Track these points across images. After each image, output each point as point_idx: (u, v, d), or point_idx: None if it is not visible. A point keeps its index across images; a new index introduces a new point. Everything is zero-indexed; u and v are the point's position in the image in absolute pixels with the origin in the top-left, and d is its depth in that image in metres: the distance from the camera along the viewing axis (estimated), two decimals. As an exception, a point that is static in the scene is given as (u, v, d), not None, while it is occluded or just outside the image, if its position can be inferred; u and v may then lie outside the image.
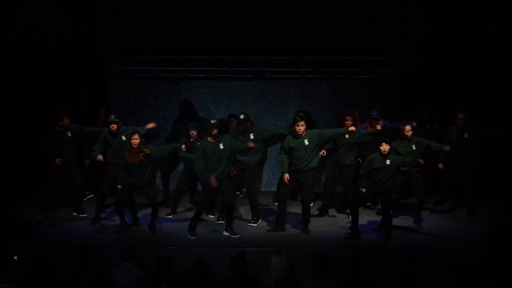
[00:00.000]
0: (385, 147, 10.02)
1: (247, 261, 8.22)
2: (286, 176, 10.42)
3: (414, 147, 10.65)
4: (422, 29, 12.26)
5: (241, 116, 10.64)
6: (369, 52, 12.67)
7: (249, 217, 11.10)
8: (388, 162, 10.05)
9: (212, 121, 10.33)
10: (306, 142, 10.42)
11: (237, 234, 10.35)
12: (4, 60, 12.31)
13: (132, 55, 12.95)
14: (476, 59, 10.97)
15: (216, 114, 12.68)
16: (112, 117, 10.91)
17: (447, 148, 10.79)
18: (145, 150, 10.18)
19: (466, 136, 11.05)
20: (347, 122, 10.90)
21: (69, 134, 11.05)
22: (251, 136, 10.66)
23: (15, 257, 8.19)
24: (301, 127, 10.36)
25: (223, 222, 10.75)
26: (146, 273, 8.17)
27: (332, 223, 11.05)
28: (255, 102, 12.80)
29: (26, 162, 12.25)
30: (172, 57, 12.92)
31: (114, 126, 10.87)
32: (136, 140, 10.13)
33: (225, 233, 10.38)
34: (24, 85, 12.58)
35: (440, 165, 11.25)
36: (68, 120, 10.99)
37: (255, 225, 10.83)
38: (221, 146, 10.16)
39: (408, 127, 10.66)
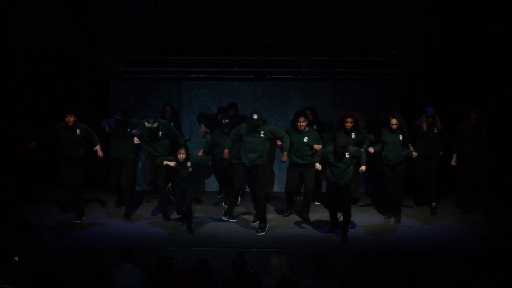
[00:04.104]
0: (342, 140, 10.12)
1: (247, 261, 8.24)
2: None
3: (400, 138, 10.78)
4: (423, 30, 12.28)
5: (254, 117, 10.48)
6: (370, 53, 12.67)
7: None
8: (347, 155, 10.10)
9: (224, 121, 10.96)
10: (305, 139, 10.86)
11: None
12: (5, 61, 12.32)
13: (133, 56, 12.96)
14: (476, 58, 10.95)
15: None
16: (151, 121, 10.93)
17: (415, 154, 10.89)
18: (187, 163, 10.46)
19: (483, 131, 10.94)
20: (346, 124, 10.76)
21: (78, 132, 11.01)
22: (262, 134, 10.53)
23: (16, 258, 8.20)
24: (302, 123, 10.79)
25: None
26: (147, 274, 8.19)
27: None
28: (256, 103, 12.80)
29: (27, 163, 12.29)
30: (173, 57, 12.94)
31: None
32: (182, 155, 10.37)
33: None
34: (25, 86, 12.61)
35: (453, 162, 11.08)
36: (72, 119, 10.92)
37: (263, 233, 10.63)
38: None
39: (394, 120, 10.74)
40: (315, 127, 11.45)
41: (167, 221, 11.10)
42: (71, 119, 10.93)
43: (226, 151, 10.69)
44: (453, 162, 11.13)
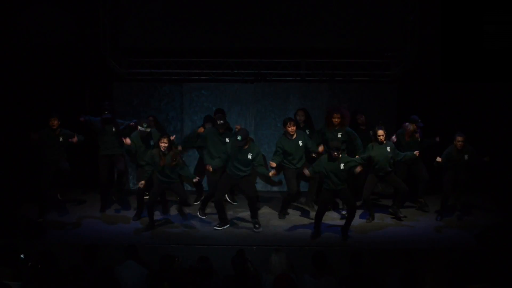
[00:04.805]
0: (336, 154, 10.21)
1: (247, 259, 8.33)
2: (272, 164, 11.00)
3: (388, 149, 10.86)
4: (420, 32, 12.33)
5: (238, 138, 10.52)
6: (368, 55, 12.75)
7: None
8: (342, 166, 10.23)
9: (218, 122, 11.12)
10: (300, 143, 11.03)
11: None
12: (10, 62, 12.40)
13: (135, 58, 13.02)
14: (476, 59, 10.87)
15: (218, 115, 12.87)
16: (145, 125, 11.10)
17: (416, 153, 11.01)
18: (175, 156, 10.50)
19: (466, 158, 10.97)
20: (334, 120, 11.10)
21: (61, 139, 11.14)
22: (249, 156, 10.62)
23: (22, 256, 8.31)
24: (292, 127, 10.98)
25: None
26: (149, 271, 8.26)
27: (331, 222, 11.17)
28: (256, 104, 12.91)
29: (31, 163, 12.15)
30: (175, 59, 13.00)
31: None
32: (164, 144, 10.43)
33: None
34: (29, 87, 12.68)
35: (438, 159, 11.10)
36: (56, 121, 11.05)
37: (261, 229, 10.82)
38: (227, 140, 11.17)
39: (380, 132, 10.79)
40: (307, 132, 11.61)
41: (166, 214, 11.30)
42: (54, 122, 11.04)
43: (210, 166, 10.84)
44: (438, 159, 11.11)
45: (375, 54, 12.78)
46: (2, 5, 12.30)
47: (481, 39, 10.71)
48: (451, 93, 12.51)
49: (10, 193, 11.87)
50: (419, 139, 11.49)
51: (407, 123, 11.44)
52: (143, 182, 10.68)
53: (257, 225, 10.83)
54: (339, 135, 11.15)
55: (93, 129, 11.57)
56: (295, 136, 11.09)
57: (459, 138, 10.92)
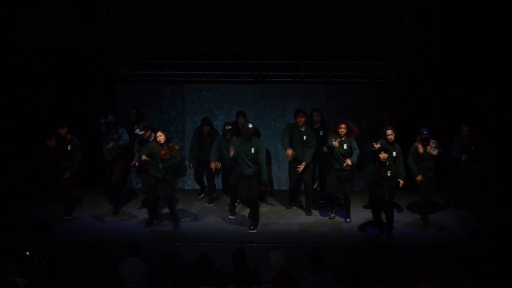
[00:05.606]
0: (384, 155, 10.29)
1: (247, 256, 8.41)
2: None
3: (394, 154, 10.90)
4: (415, 35, 12.40)
5: (250, 126, 10.57)
6: (365, 57, 12.81)
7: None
8: (389, 173, 10.32)
9: (226, 127, 11.13)
10: (304, 138, 11.16)
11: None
12: (14, 64, 12.51)
13: (138, 60, 13.09)
14: (475, 60, 10.77)
15: (218, 116, 12.99)
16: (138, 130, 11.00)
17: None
18: (173, 147, 10.56)
19: (472, 149, 11.10)
20: (340, 130, 10.90)
21: (69, 148, 11.11)
22: (252, 150, 10.61)
23: (27, 253, 8.38)
24: (300, 118, 11.15)
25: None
26: (151, 268, 8.29)
27: (329, 220, 11.31)
28: (256, 105, 13.02)
29: (37, 162, 12.39)
30: (177, 61, 13.08)
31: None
32: (161, 136, 10.43)
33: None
34: (33, 88, 12.79)
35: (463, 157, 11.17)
36: (64, 130, 11.01)
37: (255, 230, 10.83)
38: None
39: (389, 131, 10.86)
40: (321, 133, 11.65)
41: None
42: (63, 131, 11.00)
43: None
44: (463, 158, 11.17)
45: (372, 56, 12.84)
46: (6, 8, 12.40)
47: (481, 39, 10.65)
48: (447, 95, 12.57)
49: (15, 191, 11.95)
50: (434, 152, 11.01)
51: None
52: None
53: (251, 227, 10.88)
54: (345, 146, 10.95)
55: (102, 138, 11.61)
56: (303, 129, 11.25)
57: (465, 128, 11.12)
